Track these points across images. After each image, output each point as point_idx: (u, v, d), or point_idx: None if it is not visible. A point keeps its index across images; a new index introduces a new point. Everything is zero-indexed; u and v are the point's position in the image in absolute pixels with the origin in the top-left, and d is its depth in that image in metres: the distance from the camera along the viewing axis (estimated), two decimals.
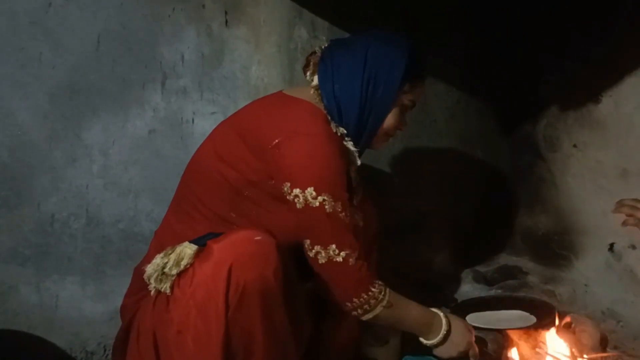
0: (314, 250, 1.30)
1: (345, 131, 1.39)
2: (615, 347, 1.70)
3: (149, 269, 1.27)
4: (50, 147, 1.64)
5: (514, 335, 1.67)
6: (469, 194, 2.31)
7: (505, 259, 2.29)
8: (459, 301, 1.88)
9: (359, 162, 1.44)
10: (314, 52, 1.47)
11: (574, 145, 2.04)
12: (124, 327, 1.36)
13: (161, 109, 1.74)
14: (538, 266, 2.18)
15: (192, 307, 1.18)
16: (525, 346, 1.62)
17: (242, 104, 1.64)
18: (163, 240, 1.38)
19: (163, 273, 1.24)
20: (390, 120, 1.43)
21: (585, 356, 1.59)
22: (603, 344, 1.68)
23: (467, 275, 2.12)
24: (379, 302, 1.34)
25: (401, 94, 1.41)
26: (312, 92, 1.42)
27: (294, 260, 1.31)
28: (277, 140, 1.30)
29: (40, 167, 1.63)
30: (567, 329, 1.65)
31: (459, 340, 1.45)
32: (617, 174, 1.90)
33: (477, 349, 1.49)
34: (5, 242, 1.62)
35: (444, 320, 1.44)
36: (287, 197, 1.29)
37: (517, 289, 2.04)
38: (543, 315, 1.72)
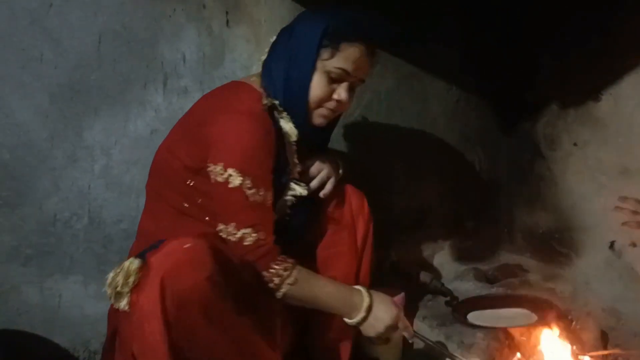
0: (220, 225, 1.29)
1: (276, 102, 1.37)
2: (615, 345, 1.70)
3: (106, 283, 1.23)
4: (51, 147, 1.64)
5: (515, 333, 1.67)
6: (469, 192, 2.31)
7: (506, 257, 2.29)
8: (460, 299, 1.87)
9: (294, 137, 1.40)
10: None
11: (574, 144, 2.05)
12: (110, 334, 1.36)
13: (162, 108, 1.74)
14: (539, 264, 2.19)
15: (141, 317, 1.14)
16: (526, 344, 1.63)
17: None
18: (137, 242, 1.42)
19: (117, 292, 1.20)
20: (314, 89, 1.37)
21: (586, 354, 1.60)
22: (603, 341, 1.68)
23: (468, 273, 2.12)
24: (284, 280, 1.28)
25: (323, 59, 1.36)
26: (257, 74, 1.44)
27: None
28: (205, 122, 1.33)
29: (41, 167, 1.63)
30: (567, 327, 1.65)
31: (383, 315, 1.38)
32: (617, 171, 1.90)
33: (407, 323, 1.45)
34: (7, 241, 1.62)
35: (365, 295, 1.38)
36: (210, 174, 1.29)
37: (518, 287, 2.04)
38: (544, 313, 1.72)
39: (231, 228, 1.28)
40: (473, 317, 1.77)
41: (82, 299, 1.69)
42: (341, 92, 1.40)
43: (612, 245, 1.93)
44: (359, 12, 1.42)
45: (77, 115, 1.66)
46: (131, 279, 1.19)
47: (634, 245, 1.86)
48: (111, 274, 1.23)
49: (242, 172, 1.27)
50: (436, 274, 2.04)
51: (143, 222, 1.46)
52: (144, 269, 1.19)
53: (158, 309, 1.11)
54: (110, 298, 1.23)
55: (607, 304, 1.85)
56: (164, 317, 1.11)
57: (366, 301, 1.37)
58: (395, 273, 2.03)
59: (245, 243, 1.27)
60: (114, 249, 1.71)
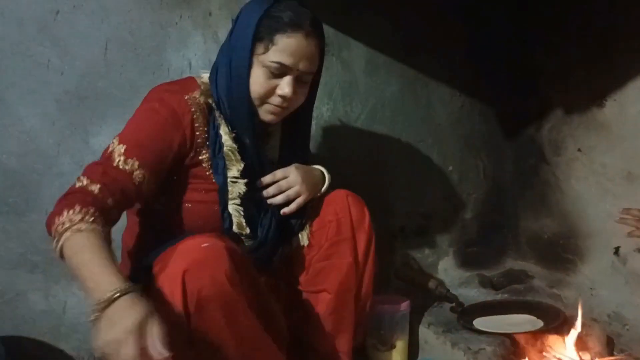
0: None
1: (213, 102, 1.37)
2: (621, 351, 1.70)
3: None
4: (58, 153, 1.64)
5: (521, 339, 1.67)
6: (473, 198, 2.31)
7: (511, 263, 2.29)
8: (465, 306, 1.87)
9: (226, 134, 1.36)
10: None
11: (579, 149, 2.05)
12: None
13: None
14: (544, 270, 2.18)
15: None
16: (533, 350, 1.63)
17: None
18: (122, 253, 1.46)
19: None
20: (254, 85, 1.33)
21: None
22: (609, 347, 1.68)
23: (473, 279, 2.12)
24: (69, 227, 1.10)
25: (257, 53, 1.32)
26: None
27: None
28: None
29: (48, 173, 1.64)
30: (573, 333, 1.65)
31: (119, 319, 1.00)
32: (622, 177, 1.90)
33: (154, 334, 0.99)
34: (14, 248, 1.62)
35: (115, 287, 1.03)
36: None
37: (523, 293, 2.04)
38: (550, 319, 1.72)
39: (81, 177, 1.22)
40: (479, 323, 1.77)
41: (87, 305, 1.69)
42: (284, 87, 1.33)
43: (617, 250, 1.93)
44: (284, 3, 1.35)
45: (84, 121, 1.66)
46: None
47: (639, 251, 1.86)
48: None
49: (120, 140, 1.28)
50: (441, 280, 2.04)
51: (124, 232, 1.49)
52: (155, 271, 1.20)
53: (180, 306, 1.12)
54: None
55: (612, 309, 1.85)
56: (186, 314, 1.12)
57: (109, 294, 1.02)
58: (399, 279, 2.03)
59: (77, 185, 1.20)
60: (120, 255, 1.71)
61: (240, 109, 1.35)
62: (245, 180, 1.37)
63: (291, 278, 1.56)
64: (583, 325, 1.65)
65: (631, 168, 1.87)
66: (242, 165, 1.37)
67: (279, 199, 1.43)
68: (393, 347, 1.75)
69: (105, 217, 1.17)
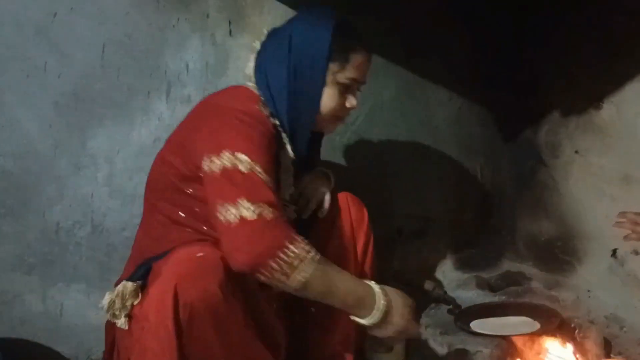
0: (223, 211, 1.14)
1: (277, 122, 1.34)
2: (619, 353, 1.70)
3: (103, 304, 1.27)
4: (55, 155, 1.64)
5: (518, 341, 1.67)
6: (471, 200, 2.32)
7: (509, 265, 2.29)
8: (463, 308, 1.88)
9: (290, 154, 1.36)
10: (254, 47, 1.44)
11: (576, 151, 2.05)
12: (108, 346, 1.37)
13: (166, 117, 1.74)
14: (541, 272, 2.18)
15: (146, 330, 1.16)
16: (529, 353, 1.63)
17: None
18: (132, 254, 1.42)
19: (115, 314, 1.25)
20: (328, 102, 1.36)
21: None
22: (607, 349, 1.68)
23: (470, 281, 2.12)
24: (307, 259, 1.15)
25: (333, 72, 1.34)
26: (253, 85, 1.39)
27: None
28: (200, 125, 1.30)
29: (45, 175, 1.64)
30: (570, 335, 1.65)
31: (397, 320, 1.26)
32: (619, 179, 1.90)
33: (417, 328, 1.36)
34: (11, 250, 1.62)
35: (381, 297, 1.23)
36: (205, 170, 1.21)
37: (521, 295, 2.04)
38: (547, 321, 1.72)
39: (246, 204, 1.13)
40: (476, 325, 1.77)
41: (84, 307, 1.69)
42: (352, 100, 1.41)
43: (614, 252, 1.93)
44: (346, 19, 1.39)
45: (82, 124, 1.66)
46: (128, 303, 1.23)
47: (636, 253, 1.86)
48: (107, 298, 1.26)
49: (251, 157, 1.19)
50: (439, 282, 2.04)
51: (138, 234, 1.45)
52: (151, 277, 1.21)
53: (170, 318, 1.12)
54: (108, 317, 1.26)
55: (609, 311, 1.85)
56: (175, 326, 1.12)
57: (383, 304, 1.23)
58: (397, 281, 2.02)
59: (268, 218, 1.14)
60: (117, 257, 1.71)
61: (305, 127, 1.37)
62: (295, 208, 1.41)
63: None
64: (580, 327, 1.66)
65: (628, 170, 1.87)
66: (293, 189, 1.40)
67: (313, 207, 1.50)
68: (391, 349, 1.74)
69: None
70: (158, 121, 1.74)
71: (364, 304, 1.22)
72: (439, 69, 2.17)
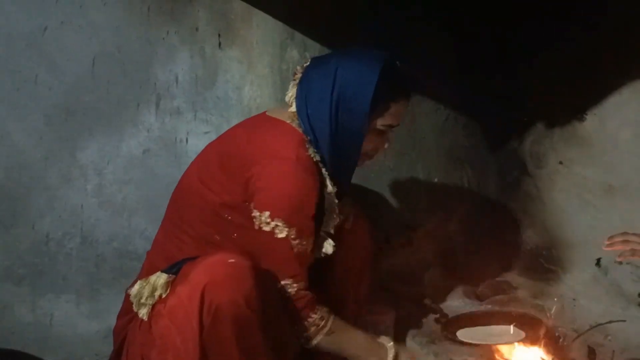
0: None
1: (319, 157, 1.37)
2: None
3: (132, 293, 1.31)
4: (45, 167, 1.66)
5: (504, 350, 1.69)
6: (457, 210, 2.34)
7: (495, 274, 2.32)
8: (449, 317, 1.89)
9: (330, 188, 1.40)
10: (296, 72, 1.44)
11: (560, 162, 2.08)
12: (116, 348, 1.39)
13: (155, 129, 1.76)
14: (527, 281, 2.21)
15: (171, 326, 1.20)
16: None
17: (235, 123, 1.67)
18: (154, 261, 1.41)
19: (140, 302, 1.28)
20: (366, 146, 1.40)
21: None
22: (591, 357, 1.70)
23: (457, 290, 2.14)
24: (320, 330, 1.34)
25: (376, 117, 1.36)
26: (292, 114, 1.40)
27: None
28: (251, 164, 1.32)
29: (35, 187, 1.65)
30: (555, 343, 1.67)
31: None
32: (603, 189, 1.93)
33: None
34: (1, 261, 1.63)
35: (391, 351, 1.44)
36: (254, 216, 1.31)
37: (507, 303, 2.06)
38: (532, 330, 1.74)
39: (289, 281, 1.32)
40: (462, 334, 1.79)
41: (74, 317, 1.70)
42: (386, 142, 1.45)
43: (598, 262, 1.96)
44: (399, 68, 1.40)
45: (72, 135, 1.68)
46: (157, 293, 1.26)
47: (620, 262, 1.89)
48: (137, 286, 1.30)
49: (289, 223, 1.29)
50: (426, 291, 2.06)
51: (163, 244, 1.44)
52: (177, 278, 1.25)
53: (196, 318, 1.15)
54: (133, 305, 1.30)
55: (594, 320, 1.87)
56: (200, 326, 1.16)
57: (390, 349, 1.43)
58: (384, 290, 2.04)
59: (289, 293, 1.31)
60: (107, 268, 1.73)
61: (349, 169, 1.42)
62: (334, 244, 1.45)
63: None
64: (565, 335, 1.68)
65: (611, 181, 1.90)
66: (338, 220, 1.45)
67: None
68: None
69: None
70: (147, 133, 1.76)
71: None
72: (424, 80, 2.19)
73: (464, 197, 2.35)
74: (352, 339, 1.41)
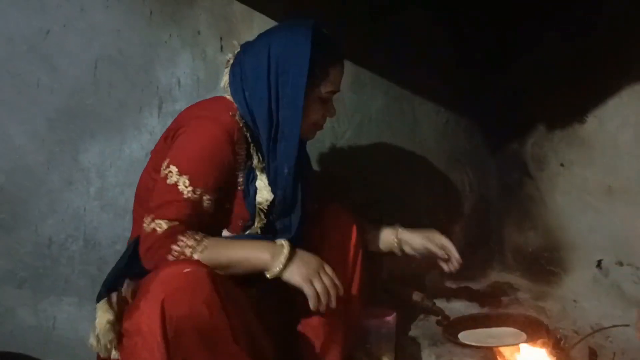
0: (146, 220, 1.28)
1: (248, 134, 1.38)
2: None
3: (92, 345, 1.27)
4: (47, 170, 1.66)
5: (505, 352, 1.69)
6: (459, 212, 2.34)
7: (496, 276, 2.32)
8: (451, 319, 1.90)
9: (256, 162, 1.40)
10: (228, 60, 1.46)
11: (561, 164, 2.08)
12: None
13: (157, 131, 1.76)
14: (528, 282, 2.22)
15: (139, 343, 1.18)
16: None
17: None
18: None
19: (107, 348, 1.26)
20: (310, 117, 1.41)
21: None
22: (592, 359, 1.70)
23: (459, 292, 2.14)
24: (195, 248, 1.24)
25: (312, 87, 1.37)
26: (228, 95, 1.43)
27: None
28: (178, 128, 1.36)
29: (37, 190, 1.66)
30: (557, 345, 1.67)
31: (308, 259, 1.32)
32: (603, 191, 1.94)
33: (330, 270, 1.33)
34: (3, 264, 1.64)
35: (284, 243, 1.31)
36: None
37: (508, 305, 2.06)
38: (533, 332, 1.74)
39: (148, 220, 1.27)
40: (464, 336, 1.79)
41: (76, 320, 1.71)
42: (332, 111, 1.47)
43: (599, 263, 1.96)
44: (327, 33, 1.41)
45: (73, 139, 1.69)
46: (109, 338, 1.25)
47: (620, 264, 1.89)
48: (91, 340, 1.26)
49: (181, 170, 1.29)
50: (427, 293, 2.06)
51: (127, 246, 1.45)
52: (139, 291, 1.23)
53: (159, 333, 1.14)
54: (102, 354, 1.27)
55: (595, 321, 1.87)
56: (164, 340, 1.14)
57: (286, 247, 1.30)
58: (386, 292, 2.05)
59: (157, 232, 1.25)
60: (109, 271, 1.72)
61: (290, 139, 1.38)
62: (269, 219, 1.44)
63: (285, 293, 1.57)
64: (566, 337, 1.68)
65: (611, 183, 1.91)
66: (272, 197, 1.42)
67: None
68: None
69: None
70: (150, 136, 1.76)
71: (266, 254, 1.29)
72: (425, 83, 2.20)
73: (466, 199, 2.35)
74: (237, 244, 1.32)
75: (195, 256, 1.24)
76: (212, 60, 1.83)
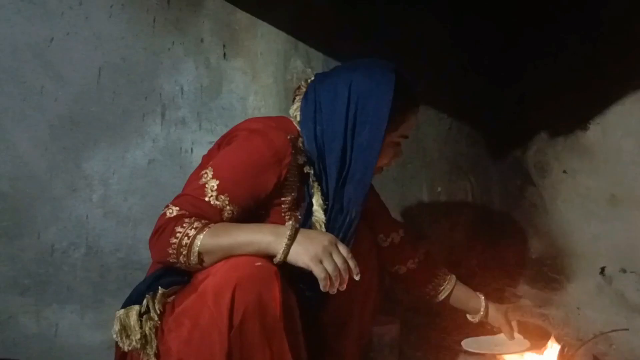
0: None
1: (312, 171, 1.33)
2: None
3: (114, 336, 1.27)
4: (50, 177, 1.66)
5: (508, 359, 1.69)
6: (462, 219, 2.34)
7: (499, 283, 2.32)
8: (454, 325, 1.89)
9: (316, 206, 1.33)
10: (299, 87, 1.42)
11: (564, 171, 2.09)
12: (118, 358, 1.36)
13: (160, 139, 1.77)
14: (532, 290, 2.21)
15: (194, 334, 1.17)
16: None
17: None
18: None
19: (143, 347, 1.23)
20: (382, 161, 1.38)
21: None
22: None
23: None
24: (198, 232, 1.17)
25: (391, 132, 1.34)
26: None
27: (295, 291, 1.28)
28: (230, 139, 1.34)
29: (40, 197, 1.65)
30: (560, 353, 1.67)
31: (315, 235, 1.21)
32: (606, 199, 1.94)
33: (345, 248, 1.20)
34: (5, 271, 1.63)
35: (291, 224, 1.20)
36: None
37: (512, 313, 2.05)
38: (537, 339, 1.74)
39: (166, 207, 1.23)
40: (467, 343, 1.78)
41: (78, 328, 1.70)
42: (399, 153, 1.45)
43: (602, 271, 1.96)
44: (408, 78, 1.38)
45: (77, 146, 1.68)
46: (149, 326, 1.23)
47: (624, 271, 1.89)
48: (116, 333, 1.27)
49: (215, 174, 1.25)
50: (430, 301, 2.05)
51: None
52: (189, 288, 1.22)
53: (226, 317, 1.13)
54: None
55: (598, 329, 1.87)
56: (229, 324, 1.13)
57: (290, 226, 1.19)
58: (389, 300, 2.04)
59: (166, 216, 1.20)
60: (111, 278, 1.73)
61: (363, 182, 1.34)
62: None
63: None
64: (570, 345, 1.67)
65: (614, 191, 1.91)
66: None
67: None
68: None
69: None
70: (153, 143, 1.76)
71: (270, 235, 1.19)
72: (428, 90, 2.20)
73: (468, 206, 2.35)
74: (243, 227, 1.22)
75: (200, 237, 1.16)
76: (216, 68, 1.83)
